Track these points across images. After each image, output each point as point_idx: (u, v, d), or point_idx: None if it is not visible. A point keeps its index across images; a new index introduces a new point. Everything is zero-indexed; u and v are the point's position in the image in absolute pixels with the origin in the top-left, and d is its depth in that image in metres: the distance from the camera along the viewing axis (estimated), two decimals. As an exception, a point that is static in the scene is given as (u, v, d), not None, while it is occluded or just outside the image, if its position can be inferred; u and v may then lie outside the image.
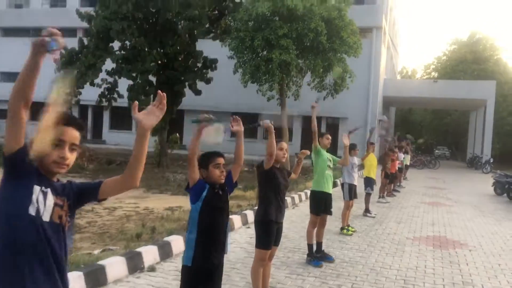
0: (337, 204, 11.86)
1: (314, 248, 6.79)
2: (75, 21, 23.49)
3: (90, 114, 36.35)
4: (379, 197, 13.94)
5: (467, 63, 49.12)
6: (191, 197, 3.44)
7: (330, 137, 7.00)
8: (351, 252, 7.50)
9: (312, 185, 6.98)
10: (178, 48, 22.43)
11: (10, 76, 38.24)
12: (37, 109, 1.91)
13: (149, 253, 6.11)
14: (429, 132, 58.07)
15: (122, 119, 34.93)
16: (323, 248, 6.95)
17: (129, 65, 21.77)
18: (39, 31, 36.68)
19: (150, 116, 2.11)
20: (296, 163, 5.21)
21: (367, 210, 11.22)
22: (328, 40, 20.43)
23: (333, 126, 30.64)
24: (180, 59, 23.12)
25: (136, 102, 2.24)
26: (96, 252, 6.58)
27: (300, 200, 12.71)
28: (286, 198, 11.72)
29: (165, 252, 6.46)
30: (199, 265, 3.36)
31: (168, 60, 22.60)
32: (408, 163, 21.73)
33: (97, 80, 22.80)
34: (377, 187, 13.41)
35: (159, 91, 2.18)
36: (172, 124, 33.45)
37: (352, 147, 9.10)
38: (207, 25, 22.57)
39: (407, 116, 58.99)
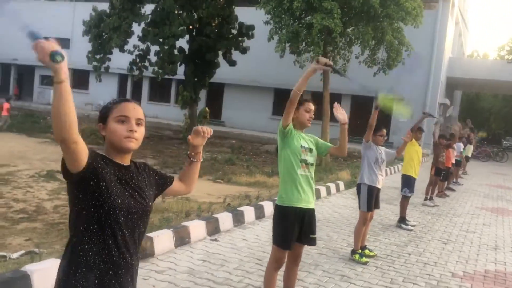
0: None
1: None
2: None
3: (130, 85, 34.86)
4: (425, 199, 10.82)
5: (548, 43, 44.18)
6: None
7: (312, 108, 3.89)
8: (353, 301, 4.63)
9: (278, 194, 3.97)
10: (212, 11, 20.14)
11: (52, 41, 37.32)
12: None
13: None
14: (498, 121, 53.88)
15: (161, 90, 33.45)
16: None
17: (156, 29, 19.72)
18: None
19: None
20: (188, 158, 2.38)
21: (402, 220, 8.14)
22: (381, 4, 17.38)
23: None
24: (213, 24, 20.92)
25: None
26: (15, 255, 4.94)
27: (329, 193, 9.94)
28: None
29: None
30: None
31: (200, 26, 20.45)
32: (470, 155, 18.32)
33: (129, 47, 21.48)
34: (421, 186, 10.40)
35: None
36: (210, 97, 31.61)
37: (376, 129, 6.20)
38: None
39: (474, 101, 54.65)
